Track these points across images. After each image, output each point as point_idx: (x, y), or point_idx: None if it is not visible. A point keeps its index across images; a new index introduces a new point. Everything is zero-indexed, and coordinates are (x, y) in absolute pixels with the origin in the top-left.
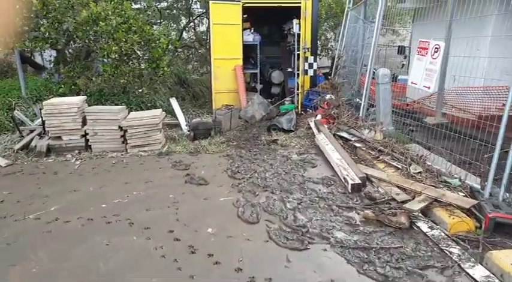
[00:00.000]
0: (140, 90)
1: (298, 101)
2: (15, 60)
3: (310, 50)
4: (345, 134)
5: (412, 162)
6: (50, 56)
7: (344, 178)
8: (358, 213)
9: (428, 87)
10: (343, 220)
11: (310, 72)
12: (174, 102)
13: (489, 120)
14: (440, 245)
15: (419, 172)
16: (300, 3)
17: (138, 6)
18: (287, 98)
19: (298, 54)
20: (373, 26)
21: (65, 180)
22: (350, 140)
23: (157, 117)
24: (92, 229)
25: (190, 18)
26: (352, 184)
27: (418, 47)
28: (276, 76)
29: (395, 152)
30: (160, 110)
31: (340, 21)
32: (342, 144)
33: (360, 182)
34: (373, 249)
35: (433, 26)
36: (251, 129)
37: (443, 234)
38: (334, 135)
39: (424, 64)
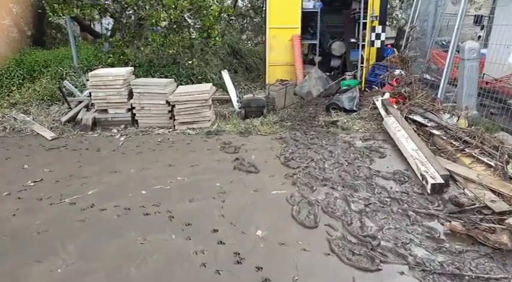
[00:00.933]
0: (190, 62)
1: (361, 76)
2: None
3: (378, 18)
4: (419, 118)
5: (511, 160)
6: (108, 24)
7: (422, 175)
8: (443, 224)
9: None
10: (423, 231)
11: (377, 44)
12: (225, 76)
13: None
14: None
15: None
16: None
17: None
18: (349, 73)
19: (364, 23)
20: None
21: (107, 158)
22: (426, 126)
23: (206, 92)
24: (128, 221)
25: None
26: (432, 184)
27: None
28: (337, 47)
29: (486, 145)
30: (211, 84)
31: None
32: (415, 130)
33: (442, 181)
34: (466, 277)
35: None
36: (307, 107)
37: None
38: (406, 118)
39: None
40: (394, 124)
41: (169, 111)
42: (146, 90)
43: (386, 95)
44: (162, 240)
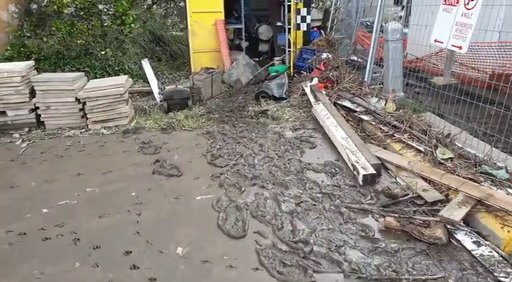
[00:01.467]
0: (103, 52)
1: (290, 61)
2: None
3: (302, 0)
4: (348, 103)
5: (439, 144)
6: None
7: (353, 165)
8: (377, 220)
9: (460, 48)
10: (357, 230)
11: (303, 27)
12: (146, 65)
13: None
14: (495, 274)
15: (450, 158)
16: None
17: None
18: (277, 58)
19: (289, 6)
20: None
21: (2, 171)
22: (355, 111)
23: (121, 86)
24: (23, 250)
25: None
26: (364, 175)
27: None
28: (264, 31)
29: (414, 129)
30: (126, 76)
31: None
32: (344, 115)
33: (374, 172)
34: (404, 281)
35: None
36: (236, 96)
37: (496, 254)
38: (334, 104)
39: (454, 16)
40: (323, 111)
41: (81, 110)
42: (51, 87)
43: (315, 81)
44: (63, 271)
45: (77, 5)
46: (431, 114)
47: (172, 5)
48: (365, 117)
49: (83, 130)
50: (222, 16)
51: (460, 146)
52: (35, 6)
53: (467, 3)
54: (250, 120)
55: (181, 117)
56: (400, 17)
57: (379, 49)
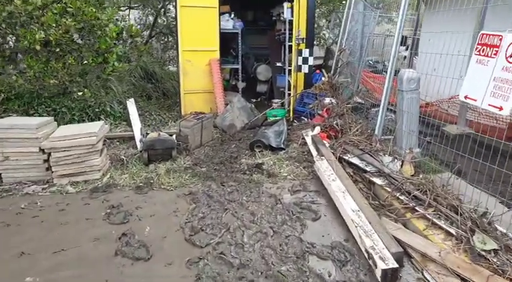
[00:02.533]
0: (80, 93)
1: (289, 104)
2: None
3: (305, 41)
4: (356, 161)
5: (476, 229)
6: None
7: (368, 253)
8: None
9: (500, 108)
10: None
11: (305, 69)
12: (131, 106)
13: None
14: None
15: (494, 250)
16: None
17: None
18: (276, 100)
19: (290, 46)
20: (376, 13)
21: None
22: (365, 171)
23: (94, 134)
24: None
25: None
26: (383, 270)
27: (479, 44)
28: (263, 72)
29: (441, 202)
30: (102, 123)
31: (334, 8)
32: (352, 174)
33: (395, 266)
34: None
35: (456, 14)
36: (229, 143)
37: None
38: (340, 159)
39: (491, 70)
40: (327, 171)
41: (45, 161)
42: (10, 134)
43: (317, 130)
44: None
45: (51, 41)
46: (452, 175)
47: (171, 39)
48: (378, 181)
49: (46, 185)
50: (217, 55)
51: (504, 231)
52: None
53: (509, 57)
54: (242, 176)
55: (162, 171)
56: (405, 57)
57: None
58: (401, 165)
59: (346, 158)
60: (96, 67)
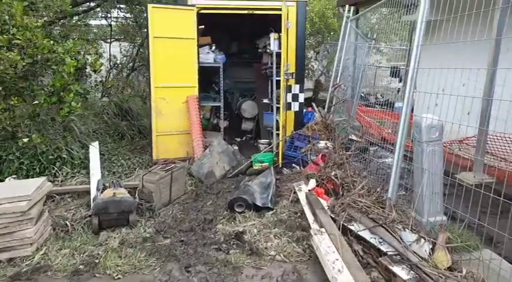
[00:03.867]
0: (26, 140)
1: (278, 147)
2: None
3: (294, 76)
4: (366, 235)
5: None
6: None
7: None
8: None
9: None
10: None
11: (295, 107)
12: (92, 152)
13: None
14: None
15: None
16: (279, 9)
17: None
18: (262, 141)
19: (278, 81)
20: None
21: None
22: (379, 250)
23: (26, 198)
24: None
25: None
26: None
27: None
28: (248, 108)
29: None
30: (42, 179)
31: (323, 39)
32: (361, 254)
33: None
34: None
35: (459, 46)
36: (204, 198)
37: None
38: (343, 229)
39: None
40: (330, 254)
41: None
42: None
43: (312, 184)
44: None
45: None
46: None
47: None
48: (402, 274)
49: None
50: (195, 92)
51: None
52: None
53: None
54: (215, 255)
55: (114, 244)
56: (398, 90)
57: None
58: (432, 250)
59: (353, 228)
60: (50, 108)
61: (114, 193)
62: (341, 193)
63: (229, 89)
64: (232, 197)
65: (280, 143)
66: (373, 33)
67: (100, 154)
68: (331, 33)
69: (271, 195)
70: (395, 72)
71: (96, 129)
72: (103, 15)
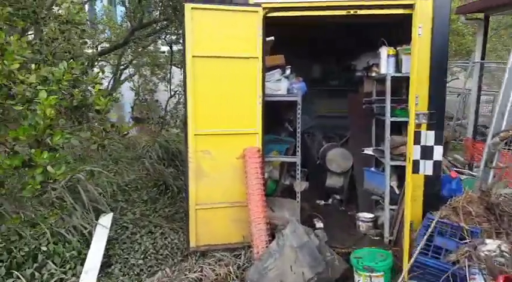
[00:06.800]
0: None
1: (398, 241)
2: None
3: (428, 117)
4: None
5: None
6: None
7: None
8: None
9: None
10: None
11: (427, 169)
12: (99, 232)
13: None
14: None
15: None
16: (407, 6)
17: None
18: (365, 216)
19: (394, 123)
20: None
21: None
22: None
23: None
24: None
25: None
26: None
27: None
28: (337, 159)
29: None
30: None
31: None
32: None
33: None
34: None
35: None
36: None
37: None
38: None
39: None
40: None
41: None
42: None
43: None
44: None
45: None
46: None
47: None
48: None
49: None
50: (257, 140)
51: None
52: None
53: None
54: None
55: None
56: None
57: None
58: None
59: None
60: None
61: None
62: None
63: (309, 128)
64: None
65: (406, 234)
66: None
67: (120, 228)
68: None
69: None
70: None
71: (130, 182)
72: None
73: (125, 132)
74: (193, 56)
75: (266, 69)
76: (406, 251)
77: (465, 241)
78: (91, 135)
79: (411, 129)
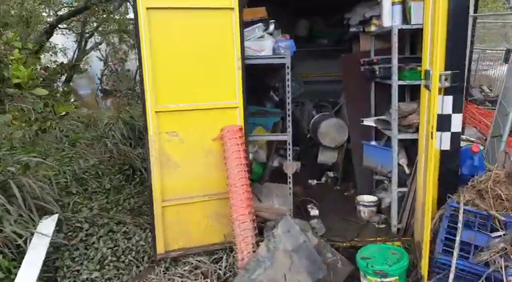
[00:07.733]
0: None
1: (412, 227)
2: None
3: (451, 78)
4: None
5: None
6: None
7: None
8: None
9: None
10: None
11: (444, 141)
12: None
13: None
14: None
15: None
16: None
17: None
18: (366, 199)
19: (400, 87)
20: None
21: None
22: None
23: None
24: None
25: None
26: None
27: None
28: (330, 132)
29: None
30: None
31: None
32: None
33: None
34: None
35: None
36: None
37: None
38: None
39: None
40: None
41: None
42: None
43: None
44: None
45: None
46: None
47: None
48: None
49: None
50: (236, 117)
51: None
52: None
53: None
54: None
55: None
56: None
57: None
58: None
59: None
60: None
61: None
62: None
63: (296, 97)
64: None
65: (427, 232)
66: None
67: (72, 230)
68: None
69: None
70: None
71: (89, 168)
72: None
73: (63, 113)
74: (147, 8)
75: (244, 24)
76: (426, 250)
77: (498, 234)
78: (12, 119)
79: (434, 94)
